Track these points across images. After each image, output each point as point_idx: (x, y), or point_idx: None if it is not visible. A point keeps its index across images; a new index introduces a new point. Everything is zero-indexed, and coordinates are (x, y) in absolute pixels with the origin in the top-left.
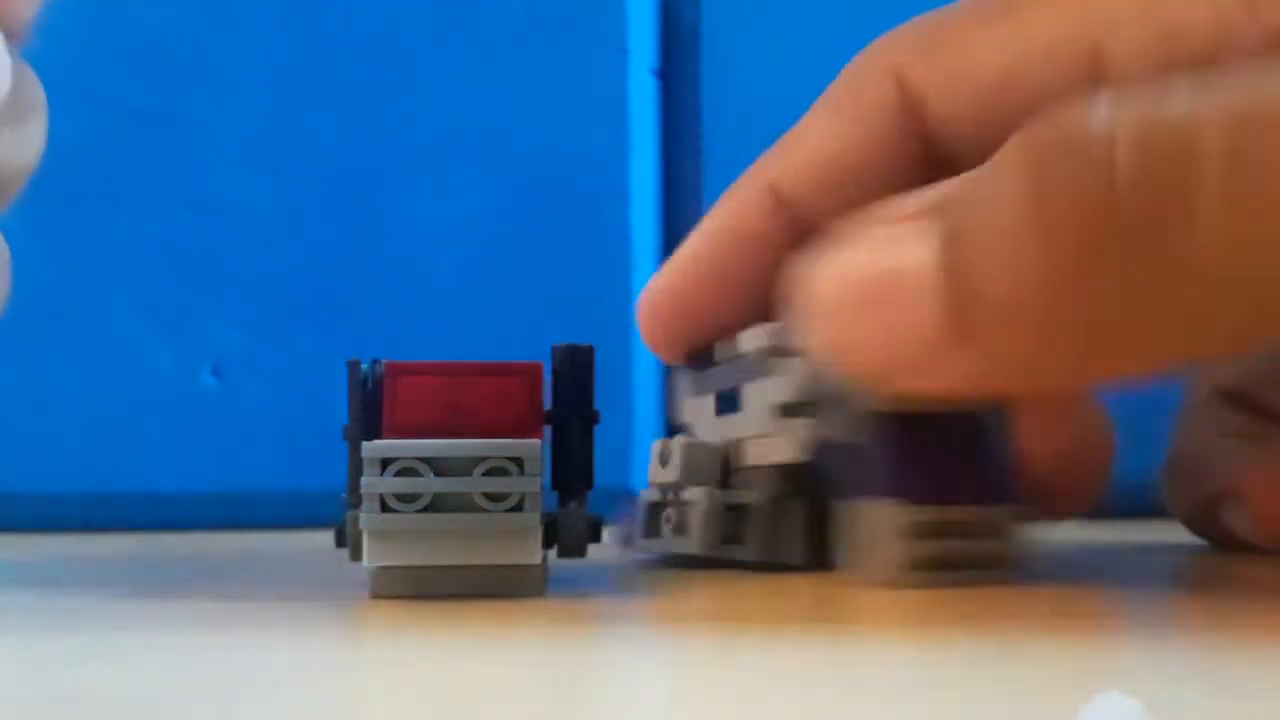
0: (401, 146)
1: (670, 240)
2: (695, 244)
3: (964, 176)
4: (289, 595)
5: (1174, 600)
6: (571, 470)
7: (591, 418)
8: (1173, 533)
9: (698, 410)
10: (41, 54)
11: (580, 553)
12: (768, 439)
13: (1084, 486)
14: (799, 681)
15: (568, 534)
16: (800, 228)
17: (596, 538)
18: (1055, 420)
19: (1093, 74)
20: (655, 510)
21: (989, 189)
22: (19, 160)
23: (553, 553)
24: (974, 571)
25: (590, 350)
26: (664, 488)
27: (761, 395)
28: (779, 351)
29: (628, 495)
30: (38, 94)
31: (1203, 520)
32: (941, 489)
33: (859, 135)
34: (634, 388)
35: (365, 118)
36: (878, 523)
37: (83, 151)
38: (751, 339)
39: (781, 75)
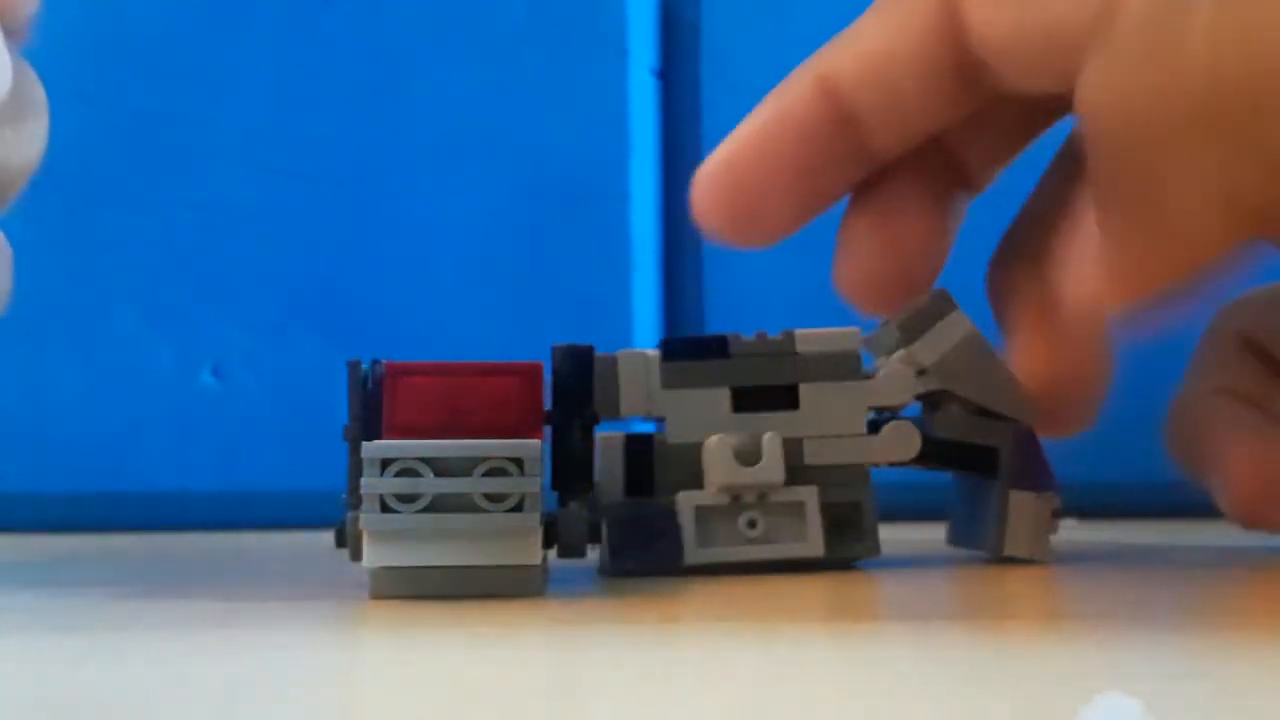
0: (402, 147)
1: (670, 240)
2: (746, 128)
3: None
4: (289, 595)
5: (1174, 600)
6: (571, 471)
7: (591, 419)
8: (1174, 532)
9: (691, 403)
10: (41, 54)
11: (580, 553)
12: (858, 439)
13: (1077, 409)
14: (799, 681)
15: (568, 534)
16: (844, 115)
17: (596, 538)
18: (1051, 342)
19: None
20: (716, 515)
21: None
22: (19, 159)
23: (552, 553)
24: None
25: (590, 351)
26: (745, 489)
27: (850, 396)
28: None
29: (612, 507)
30: (38, 93)
31: (1195, 478)
32: (1054, 482)
33: (903, 34)
34: None
35: (365, 118)
36: (1024, 510)
37: (83, 151)
38: (820, 342)
39: (781, 75)
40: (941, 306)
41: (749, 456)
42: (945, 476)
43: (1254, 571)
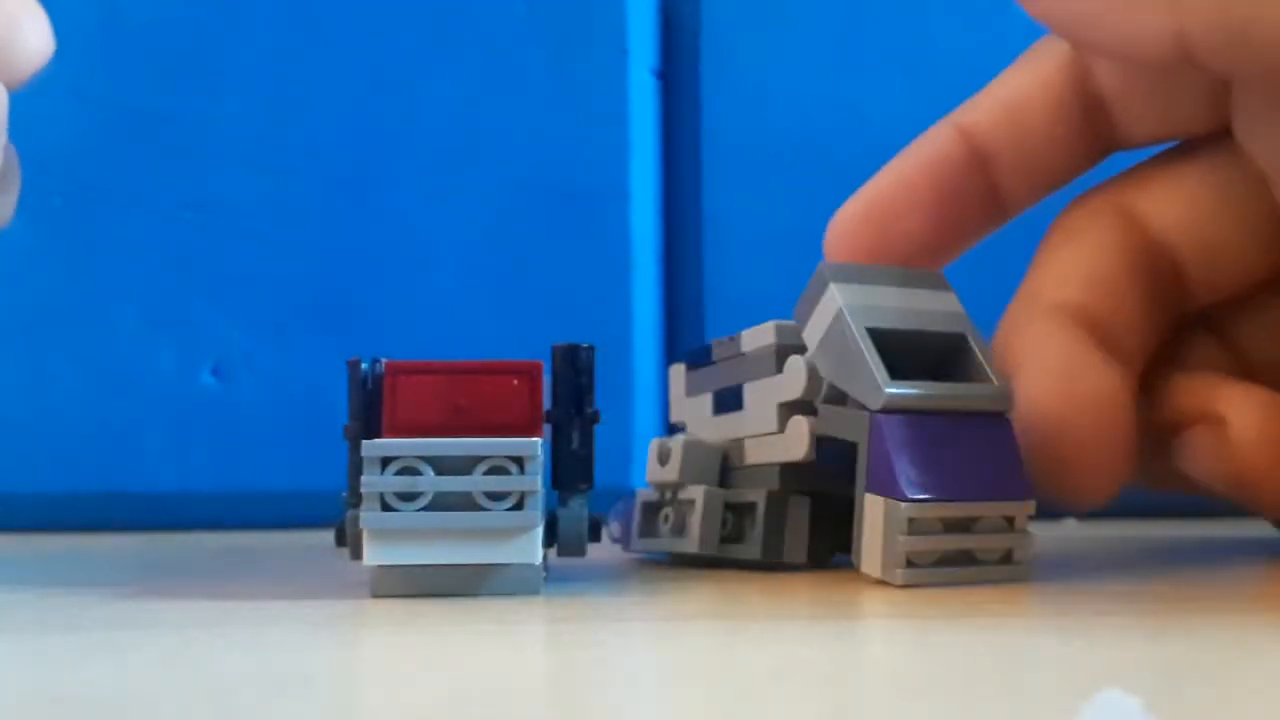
0: (402, 147)
1: (670, 240)
2: (883, 173)
3: None
4: (289, 595)
5: (1174, 599)
6: (572, 470)
7: (592, 418)
8: (1174, 532)
9: (693, 409)
10: None
11: (580, 552)
12: (770, 437)
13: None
14: (798, 681)
15: (568, 533)
16: (979, 157)
17: (596, 537)
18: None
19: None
20: (653, 509)
21: None
22: None
23: (552, 551)
24: (976, 569)
25: (590, 350)
26: (662, 487)
27: (765, 394)
28: (784, 350)
29: (625, 495)
30: (15, 163)
31: (1155, 455)
32: (932, 486)
33: (1035, 77)
34: (634, 388)
35: (365, 118)
36: (878, 519)
37: (83, 151)
38: (755, 337)
39: (781, 75)
40: (818, 286)
41: (665, 457)
42: None
43: (1254, 570)
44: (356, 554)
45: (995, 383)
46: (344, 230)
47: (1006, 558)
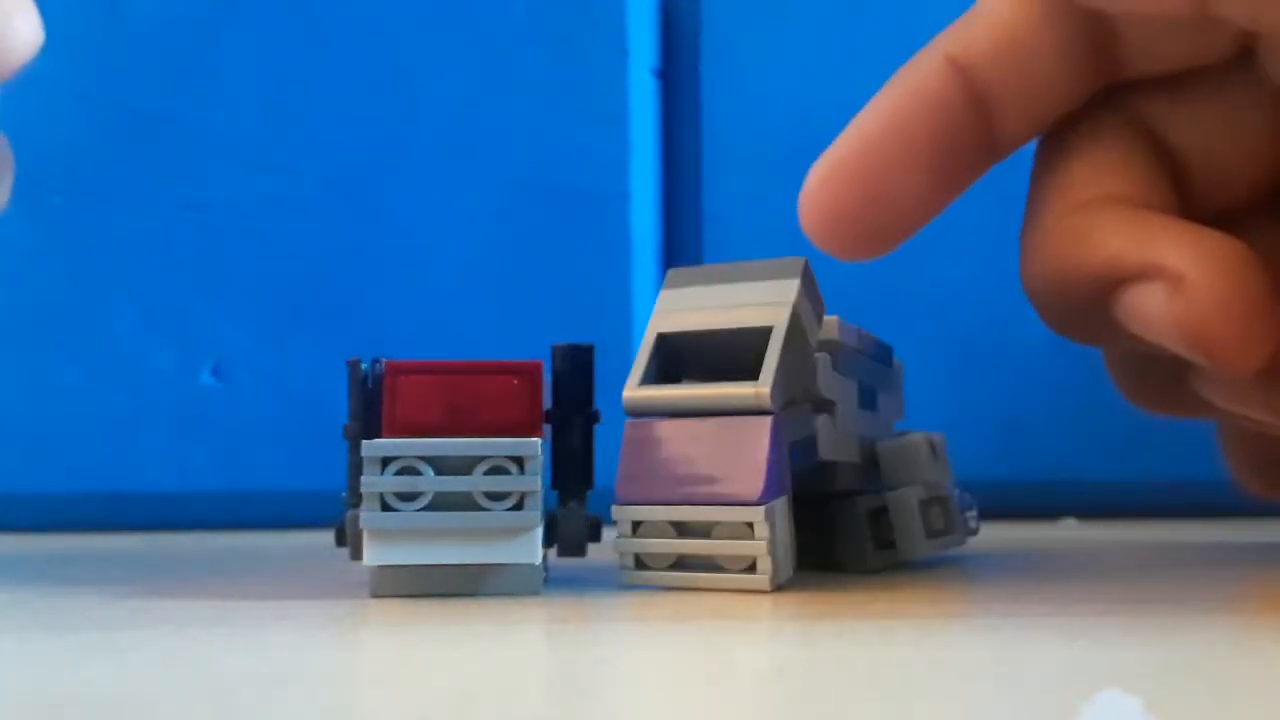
0: (401, 146)
1: (670, 240)
2: (871, 115)
3: None
4: (289, 595)
5: (1174, 598)
6: (571, 470)
7: (591, 418)
8: (1175, 532)
9: None
10: (42, 54)
11: (580, 552)
12: None
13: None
14: (798, 680)
15: (567, 533)
16: (977, 96)
17: (596, 537)
18: None
19: None
20: None
21: None
22: None
23: (552, 551)
24: (714, 575)
25: (590, 350)
26: None
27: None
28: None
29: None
30: (7, 151)
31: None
32: (666, 488)
33: (1035, 12)
34: None
35: (365, 118)
36: (620, 522)
37: (83, 151)
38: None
39: (781, 75)
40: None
41: None
42: None
43: (1254, 569)
44: (356, 554)
45: (759, 382)
46: (344, 230)
47: (751, 566)
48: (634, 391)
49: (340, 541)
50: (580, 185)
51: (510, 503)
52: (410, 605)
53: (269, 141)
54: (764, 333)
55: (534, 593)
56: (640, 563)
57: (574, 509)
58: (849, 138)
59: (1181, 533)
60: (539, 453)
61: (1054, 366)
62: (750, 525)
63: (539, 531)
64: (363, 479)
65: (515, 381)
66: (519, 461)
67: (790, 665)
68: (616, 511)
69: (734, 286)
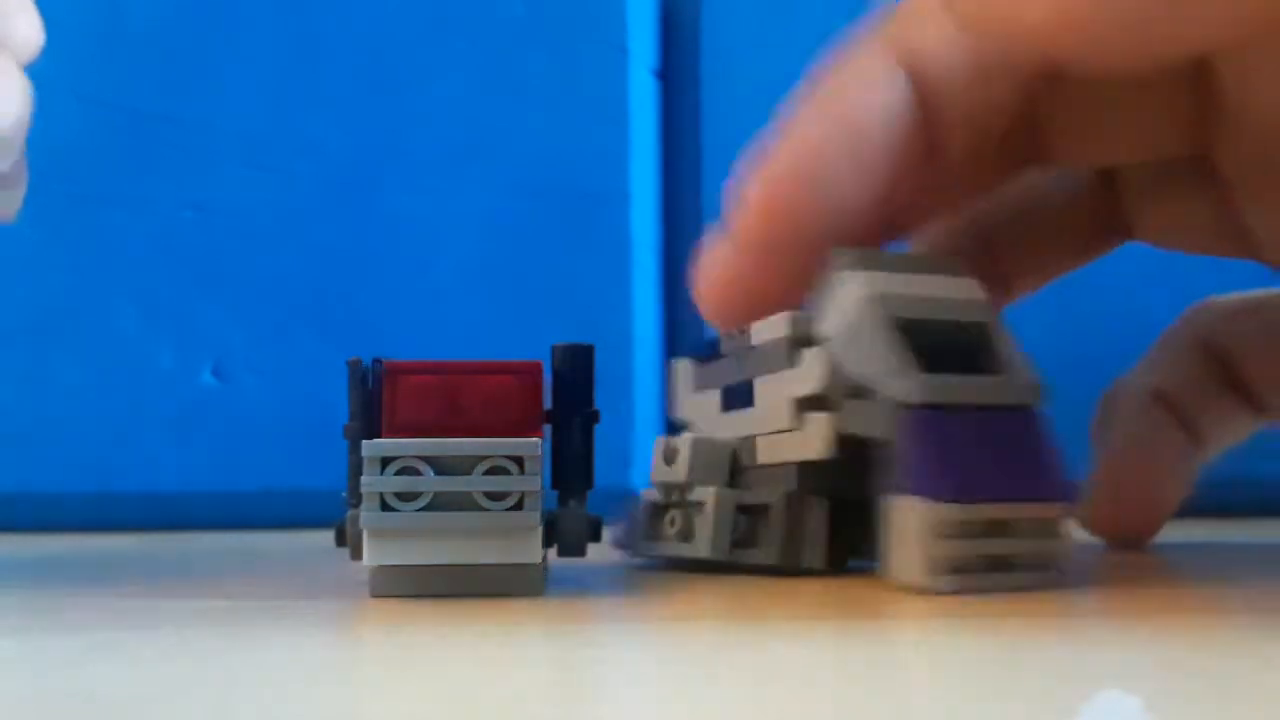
0: (402, 146)
1: (670, 240)
2: (818, 117)
3: None
4: (289, 595)
5: (1174, 597)
6: (571, 470)
7: (591, 418)
8: (1174, 533)
9: (700, 406)
10: (43, 54)
11: (580, 552)
12: (785, 435)
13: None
14: (798, 681)
15: (567, 533)
16: (928, 92)
17: (596, 537)
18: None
19: None
20: (657, 512)
21: None
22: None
23: (552, 552)
24: (1011, 575)
25: (590, 350)
26: (668, 488)
27: (778, 389)
28: (798, 342)
29: (629, 496)
30: (22, 165)
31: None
32: (973, 487)
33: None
34: (634, 388)
35: (365, 118)
36: (906, 523)
37: (83, 151)
38: (766, 329)
39: (781, 75)
40: (834, 273)
41: (671, 456)
42: None
43: (1254, 569)
44: (356, 554)
45: (1024, 374)
46: (344, 230)
47: (1045, 563)
48: (926, 382)
49: (340, 541)
50: (580, 185)
51: (510, 503)
52: (410, 605)
53: (269, 141)
54: (969, 327)
55: (534, 593)
56: (949, 567)
57: (574, 509)
58: (789, 143)
59: (1181, 532)
60: (539, 453)
61: (1053, 368)
62: (1047, 522)
63: (539, 531)
64: (363, 479)
65: (515, 381)
66: (519, 461)
67: (787, 665)
68: (930, 511)
69: (925, 278)
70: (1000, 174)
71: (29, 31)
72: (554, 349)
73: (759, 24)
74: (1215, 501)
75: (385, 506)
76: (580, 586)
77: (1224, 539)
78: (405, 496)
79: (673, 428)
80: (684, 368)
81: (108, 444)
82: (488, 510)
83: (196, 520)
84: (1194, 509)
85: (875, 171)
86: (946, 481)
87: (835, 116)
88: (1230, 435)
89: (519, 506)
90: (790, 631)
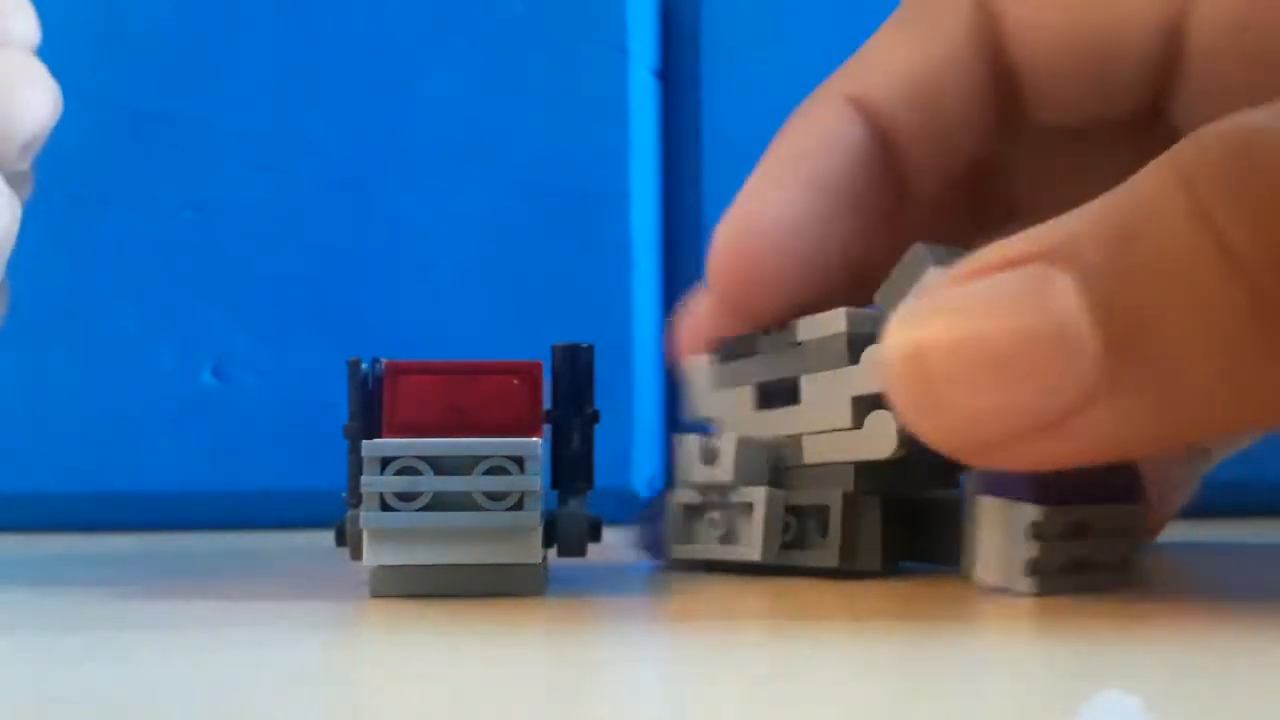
0: (401, 146)
1: (670, 240)
2: (776, 169)
3: (1053, 221)
4: (289, 595)
5: (1174, 599)
6: (571, 470)
7: (591, 418)
8: (1173, 533)
9: (727, 404)
10: (42, 54)
11: (580, 552)
12: (841, 434)
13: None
14: (798, 680)
15: (568, 533)
16: (885, 141)
17: (596, 537)
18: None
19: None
20: (692, 513)
21: (1135, 216)
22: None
23: (553, 552)
24: (1096, 575)
25: (590, 350)
26: (708, 488)
27: (834, 386)
28: (859, 340)
29: (651, 498)
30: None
31: None
32: (1066, 487)
33: (936, 46)
34: (634, 388)
35: (365, 118)
36: (998, 523)
37: (83, 151)
38: (816, 326)
39: (781, 75)
40: (916, 265)
41: (711, 455)
42: None
43: (1254, 569)
44: (356, 554)
45: None
46: (344, 230)
47: (1123, 565)
48: None
49: (340, 541)
50: (580, 185)
51: (510, 503)
52: (410, 605)
53: (269, 141)
54: None
55: (534, 593)
56: (1035, 569)
57: (574, 509)
58: (745, 204)
59: (1181, 532)
60: (539, 452)
61: None
62: (1126, 523)
63: (539, 531)
64: (363, 479)
65: (515, 381)
66: (519, 461)
67: (788, 666)
68: (1017, 511)
69: None
70: (981, 226)
71: (26, 31)
72: (554, 349)
73: (759, 24)
74: (1215, 502)
75: (385, 506)
76: (580, 586)
77: (1224, 539)
78: (405, 496)
79: (681, 426)
80: (701, 365)
81: (107, 444)
82: (488, 510)
83: (196, 520)
84: (1194, 509)
85: (837, 217)
86: (1037, 483)
87: (788, 157)
88: None
89: (519, 506)
90: (790, 632)
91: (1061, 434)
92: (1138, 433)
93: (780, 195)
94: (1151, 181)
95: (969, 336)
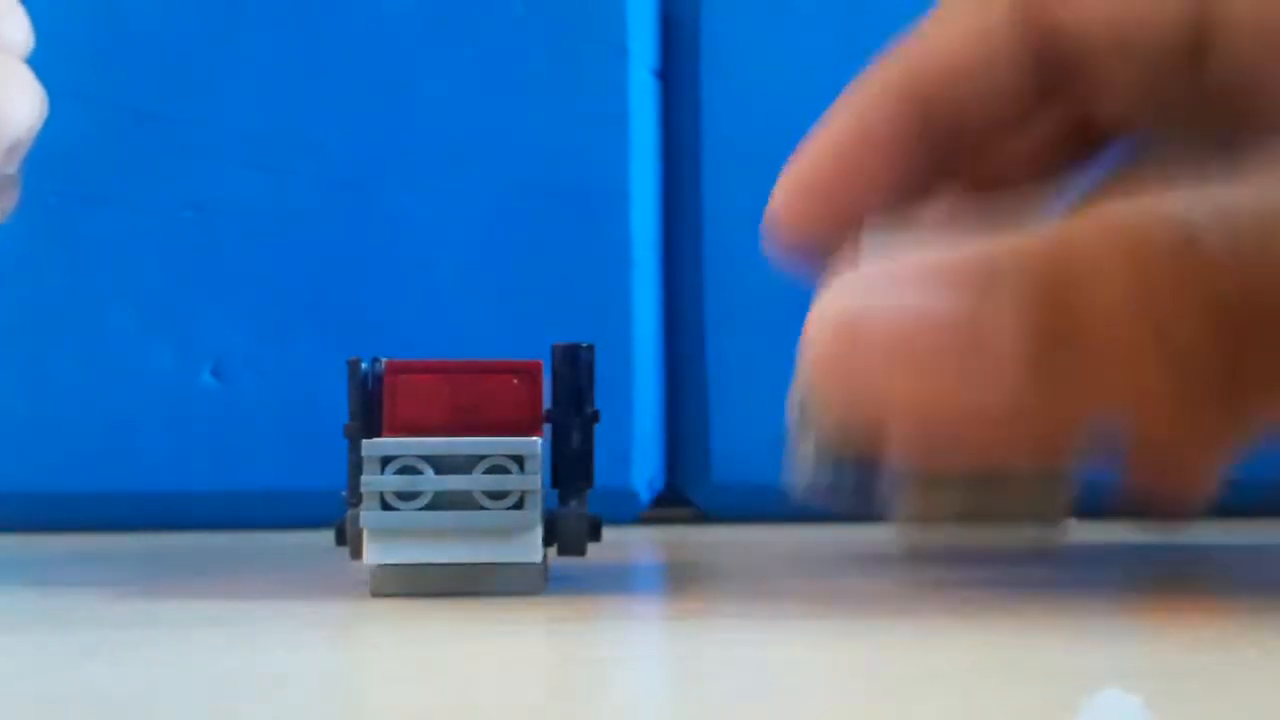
0: (401, 146)
1: (670, 240)
2: (822, 143)
3: (1003, 240)
4: (289, 595)
5: (1174, 598)
6: (571, 469)
7: (591, 417)
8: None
9: None
10: (42, 54)
11: (580, 551)
12: None
13: None
14: (798, 679)
15: (568, 532)
16: (928, 127)
17: (596, 536)
18: None
19: None
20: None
21: (1073, 268)
22: None
23: (553, 551)
24: (1002, 528)
25: (590, 350)
26: None
27: None
28: None
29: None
30: (16, 177)
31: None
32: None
33: (980, 32)
34: (634, 388)
35: (365, 118)
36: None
37: (83, 151)
38: None
39: (782, 76)
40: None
41: None
42: None
43: (1253, 569)
44: (356, 553)
45: None
46: (343, 230)
47: (1035, 517)
48: None
49: (340, 541)
50: (580, 185)
51: (510, 502)
52: (410, 605)
53: (269, 141)
54: None
55: (534, 592)
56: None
57: (574, 508)
58: (799, 170)
59: (1180, 532)
60: (539, 452)
61: None
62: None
63: (539, 531)
64: (363, 478)
65: (515, 381)
66: (519, 460)
67: (788, 664)
68: None
69: None
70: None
71: (18, 34)
72: (554, 349)
73: (759, 24)
74: (1215, 502)
75: (385, 506)
76: (580, 586)
77: (1224, 539)
78: (405, 496)
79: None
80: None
81: (107, 444)
82: (488, 509)
83: (196, 520)
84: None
85: (884, 185)
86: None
87: (834, 137)
88: None
89: (519, 506)
90: (791, 630)
91: (956, 429)
92: (1030, 446)
93: (831, 166)
94: (1097, 240)
95: (902, 321)
